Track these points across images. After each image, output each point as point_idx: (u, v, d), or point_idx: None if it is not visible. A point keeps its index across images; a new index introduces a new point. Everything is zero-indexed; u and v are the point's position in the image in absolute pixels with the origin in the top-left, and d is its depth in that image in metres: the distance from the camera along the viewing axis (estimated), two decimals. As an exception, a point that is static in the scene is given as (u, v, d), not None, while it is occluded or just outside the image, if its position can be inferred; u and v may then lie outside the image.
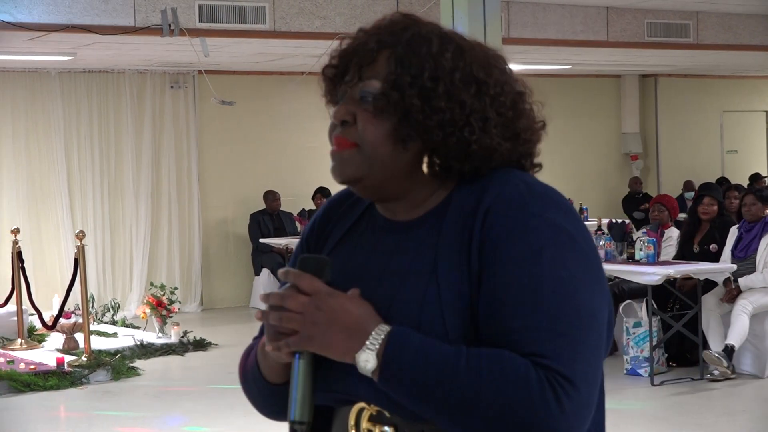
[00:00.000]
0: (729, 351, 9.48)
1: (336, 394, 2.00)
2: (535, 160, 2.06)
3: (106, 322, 13.23)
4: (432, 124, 1.94)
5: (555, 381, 1.77)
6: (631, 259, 9.87)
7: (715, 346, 9.67)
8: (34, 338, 11.76)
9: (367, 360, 1.85)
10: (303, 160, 15.88)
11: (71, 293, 11.18)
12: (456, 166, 1.97)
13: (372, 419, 1.97)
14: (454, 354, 1.81)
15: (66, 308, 11.33)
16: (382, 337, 1.86)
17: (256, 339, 2.20)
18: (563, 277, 1.84)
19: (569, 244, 1.88)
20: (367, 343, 1.86)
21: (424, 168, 1.99)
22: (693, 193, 16.53)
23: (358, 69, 2.00)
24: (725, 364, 9.40)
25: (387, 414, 1.94)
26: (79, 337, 10.98)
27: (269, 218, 15.05)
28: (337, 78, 2.06)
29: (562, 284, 1.84)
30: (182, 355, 11.48)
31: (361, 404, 1.98)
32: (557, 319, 1.81)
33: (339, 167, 2.04)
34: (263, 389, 2.11)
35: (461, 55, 1.98)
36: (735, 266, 9.68)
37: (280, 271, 1.95)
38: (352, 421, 2.00)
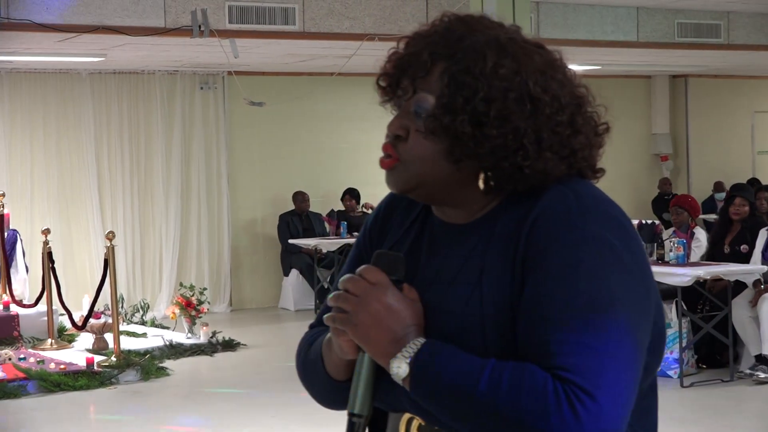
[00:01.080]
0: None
1: (385, 403, 2.02)
2: (597, 166, 2.03)
3: (136, 323, 13.27)
4: (484, 150, 1.92)
5: (573, 394, 1.76)
6: (661, 260, 9.82)
7: (753, 350, 9.64)
8: (64, 338, 11.81)
9: (399, 366, 1.88)
10: (332, 161, 15.90)
11: (101, 293, 11.22)
12: (509, 186, 1.95)
13: (421, 430, 1.99)
14: (480, 367, 1.82)
15: (96, 308, 11.38)
16: (418, 347, 1.88)
17: (313, 327, 2.22)
18: (599, 292, 1.83)
19: (611, 259, 1.86)
20: (403, 350, 1.88)
21: (481, 185, 1.96)
22: (723, 194, 16.45)
23: (412, 81, 1.98)
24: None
25: (436, 427, 1.96)
26: (109, 337, 11.02)
27: (298, 219, 15.06)
28: (391, 88, 2.03)
29: (596, 299, 1.82)
30: (211, 356, 11.50)
31: (410, 414, 2.00)
32: (586, 333, 1.80)
33: (391, 180, 2.02)
34: (325, 383, 2.11)
35: (517, 71, 1.93)
36: (765, 267, 9.63)
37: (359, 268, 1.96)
38: (402, 429, 2.02)
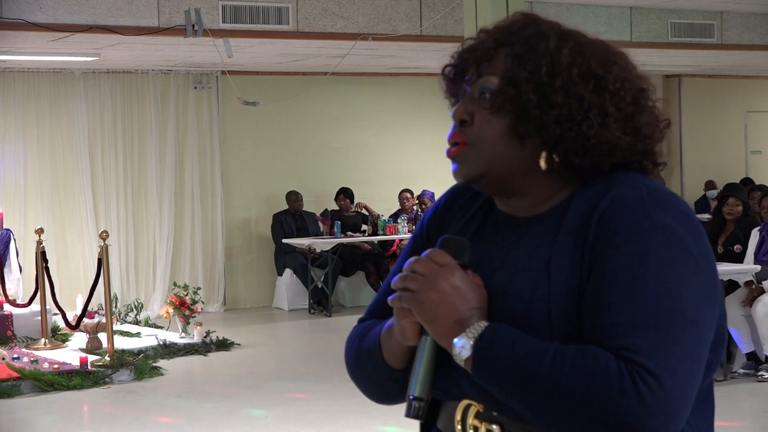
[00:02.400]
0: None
1: (441, 390, 2.02)
2: (659, 159, 2.06)
3: (130, 322, 13.26)
4: (549, 119, 1.95)
5: (637, 374, 1.77)
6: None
7: (743, 348, 9.66)
8: (57, 338, 11.80)
9: (463, 346, 1.89)
10: (326, 160, 15.90)
11: (95, 293, 11.22)
12: (575, 161, 1.96)
13: (479, 416, 2.00)
14: (543, 349, 1.83)
15: (89, 308, 11.38)
16: (482, 328, 1.89)
17: (362, 321, 2.23)
18: (667, 280, 1.84)
19: (681, 251, 1.87)
20: (467, 331, 1.90)
21: (542, 164, 1.98)
22: (715, 192, 16.50)
23: (477, 67, 2.02)
24: None
25: (494, 413, 1.97)
26: (103, 336, 11.02)
27: (292, 218, 15.05)
28: (457, 77, 2.06)
29: (664, 286, 1.83)
30: (205, 355, 11.50)
31: (468, 401, 2.01)
32: (653, 316, 1.81)
33: (459, 169, 2.04)
34: (381, 373, 2.11)
35: (580, 51, 1.98)
36: (759, 267, 9.64)
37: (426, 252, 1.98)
38: (458, 416, 2.02)
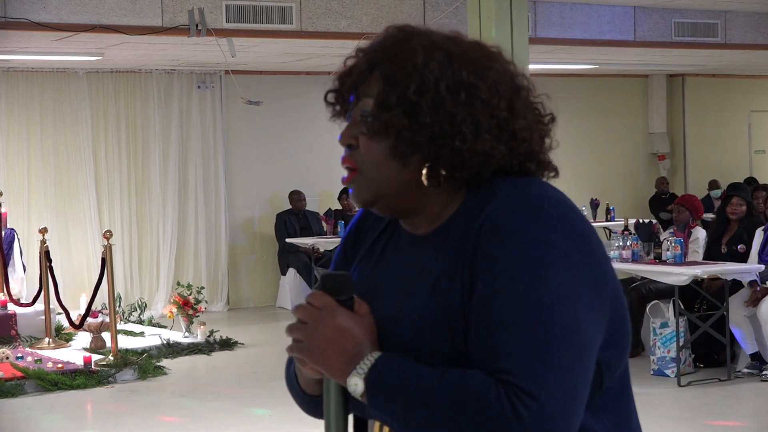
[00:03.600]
0: None
1: (362, 411, 2.06)
2: (545, 158, 2.05)
3: (133, 322, 13.28)
4: (422, 139, 1.95)
5: (515, 396, 1.78)
6: (658, 260, 9.83)
7: (747, 348, 9.66)
8: (61, 337, 11.81)
9: (356, 384, 1.91)
10: (330, 160, 15.88)
11: (98, 292, 11.23)
12: (455, 174, 1.97)
13: None
14: (429, 376, 1.86)
15: (93, 307, 11.38)
16: (371, 362, 1.91)
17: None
18: (541, 296, 1.84)
19: (554, 260, 1.87)
20: (357, 368, 1.91)
21: (424, 180, 1.99)
22: (719, 192, 16.48)
23: (355, 89, 2.03)
24: None
25: None
26: (106, 336, 11.02)
27: (295, 218, 15.06)
28: (339, 100, 2.08)
29: (539, 302, 1.83)
30: (209, 355, 11.50)
31: (380, 421, 2.04)
32: (527, 336, 1.82)
33: (353, 195, 2.07)
34: (302, 398, 2.19)
35: (449, 62, 1.97)
36: (763, 266, 9.64)
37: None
38: None
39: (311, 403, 2.16)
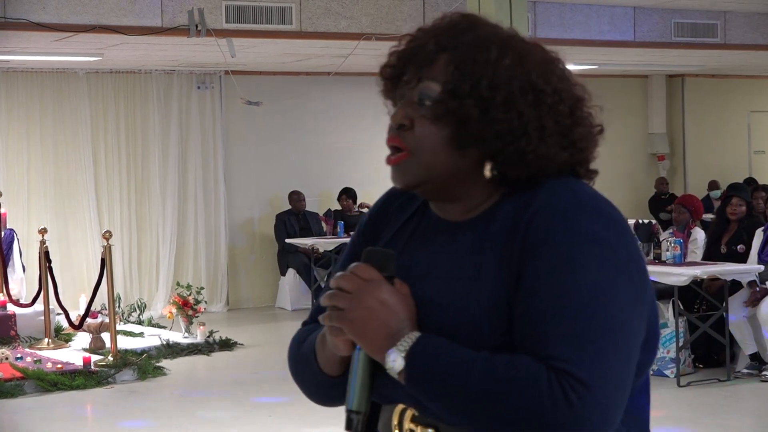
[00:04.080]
0: None
1: (379, 395, 2.03)
2: (591, 166, 2.06)
3: (133, 322, 13.27)
4: (489, 134, 1.95)
5: (566, 383, 1.79)
6: (658, 260, 9.83)
7: (747, 349, 9.67)
8: (61, 338, 11.80)
9: (395, 360, 1.90)
10: (329, 160, 15.90)
11: (98, 293, 11.22)
12: (513, 173, 1.97)
13: (414, 420, 2.01)
14: (473, 359, 1.85)
15: (93, 308, 11.37)
16: (413, 340, 1.90)
17: (306, 324, 2.24)
18: (592, 286, 1.85)
19: (605, 255, 1.88)
20: (398, 344, 1.90)
21: (487, 173, 1.98)
22: (718, 192, 16.48)
23: (417, 70, 2.00)
24: None
25: (429, 417, 1.98)
26: (106, 336, 11.02)
27: (295, 218, 15.06)
28: (395, 78, 2.05)
29: (590, 292, 1.85)
30: (208, 355, 11.50)
31: (403, 405, 2.02)
32: (579, 324, 1.83)
33: (397, 176, 2.04)
34: (318, 379, 2.13)
35: (520, 63, 1.97)
36: (762, 267, 9.64)
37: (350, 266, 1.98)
38: (395, 421, 2.04)
39: (326, 386, 2.12)
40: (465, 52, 1.97)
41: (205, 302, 13.04)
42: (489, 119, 1.94)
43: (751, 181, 16.78)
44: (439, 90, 1.97)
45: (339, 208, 15.51)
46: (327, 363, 2.09)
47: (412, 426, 2.01)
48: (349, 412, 1.96)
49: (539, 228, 1.90)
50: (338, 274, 1.97)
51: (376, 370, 1.97)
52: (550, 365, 1.80)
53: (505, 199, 2.00)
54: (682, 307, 9.61)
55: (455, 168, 1.99)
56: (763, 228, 10.09)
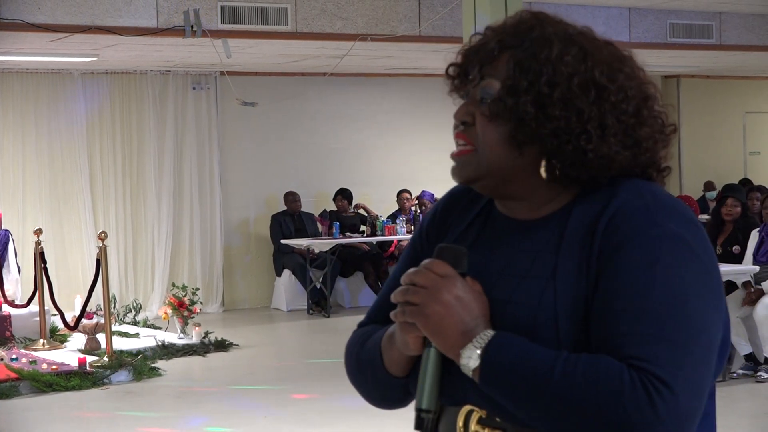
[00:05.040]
0: None
1: (444, 397, 2.01)
2: (664, 167, 2.06)
3: (128, 323, 13.26)
4: (546, 131, 1.94)
5: (650, 383, 1.77)
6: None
7: (741, 350, 9.68)
8: (56, 338, 11.80)
9: (470, 357, 1.88)
10: (325, 161, 15.90)
11: (93, 294, 11.21)
12: (573, 173, 1.96)
13: (481, 422, 1.98)
14: (552, 359, 1.83)
15: (88, 309, 11.37)
16: (488, 338, 1.89)
17: (362, 326, 2.22)
18: (676, 287, 1.84)
19: (688, 256, 1.87)
20: (474, 341, 1.88)
21: (543, 173, 1.97)
22: (714, 193, 16.49)
23: (480, 68, 2.01)
24: None
25: (497, 419, 1.95)
26: (101, 337, 11.02)
27: (290, 219, 15.05)
28: (460, 76, 2.06)
29: (674, 293, 1.83)
30: (203, 356, 11.50)
31: (470, 406, 1.99)
32: (663, 325, 1.81)
33: (458, 169, 2.04)
34: (382, 379, 2.11)
35: (583, 59, 1.96)
36: (758, 268, 9.64)
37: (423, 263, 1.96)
38: (460, 423, 2.01)
39: (389, 387, 2.10)
40: (526, 49, 1.97)
41: (201, 303, 13.03)
42: (545, 116, 1.93)
43: (746, 182, 16.79)
44: (498, 88, 1.97)
45: (334, 208, 15.51)
46: (393, 363, 2.06)
47: (478, 428, 1.98)
48: (419, 411, 1.94)
49: (620, 228, 1.89)
50: (411, 270, 1.94)
51: (445, 370, 1.95)
52: (632, 365, 1.78)
53: (581, 199, 1.98)
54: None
55: (514, 166, 1.98)
56: (758, 229, 10.10)
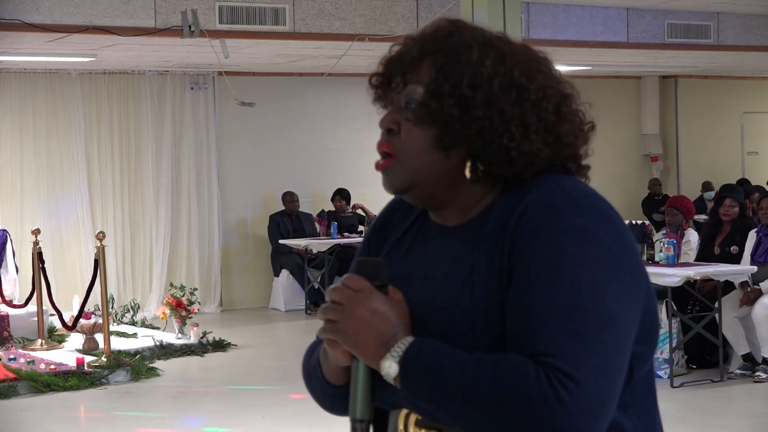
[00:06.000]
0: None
1: (380, 401, 2.05)
2: (583, 162, 2.08)
3: (126, 323, 13.26)
4: (471, 132, 1.97)
5: (555, 378, 1.79)
6: (651, 261, 9.84)
7: (739, 350, 9.69)
8: (54, 339, 11.80)
9: (389, 366, 1.92)
10: (322, 161, 15.90)
11: (91, 294, 11.21)
12: (498, 171, 1.99)
13: (418, 423, 2.03)
14: (464, 361, 1.86)
15: (86, 309, 11.37)
16: (406, 346, 1.92)
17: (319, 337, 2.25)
18: (583, 280, 1.86)
19: (595, 249, 1.89)
20: (391, 350, 1.92)
21: (467, 173, 2.00)
22: (712, 193, 16.48)
23: (402, 76, 2.04)
24: None
25: (430, 421, 1.99)
26: (99, 337, 11.01)
27: (288, 219, 15.06)
28: (384, 86, 2.09)
29: (579, 286, 1.85)
30: (201, 356, 11.50)
31: (407, 409, 2.04)
32: (569, 319, 1.83)
33: (387, 180, 2.07)
34: (325, 389, 2.17)
35: (502, 61, 2.00)
36: (755, 268, 9.65)
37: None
38: (401, 425, 2.06)
39: (333, 396, 2.15)
40: (447, 55, 2.00)
41: (199, 303, 13.04)
42: (470, 117, 1.96)
43: (744, 182, 16.81)
44: (422, 93, 2.00)
45: (332, 209, 15.51)
46: (331, 373, 2.12)
47: (416, 430, 2.03)
48: (353, 421, 1.98)
49: (528, 225, 1.91)
50: (330, 287, 1.99)
51: (378, 377, 1.98)
52: (538, 361, 1.81)
53: (498, 199, 2.02)
54: (675, 308, 9.62)
55: (441, 170, 2.01)
56: (756, 229, 10.10)
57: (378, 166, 2.06)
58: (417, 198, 2.07)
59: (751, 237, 10.05)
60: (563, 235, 1.89)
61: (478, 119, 1.96)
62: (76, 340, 11.66)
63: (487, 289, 1.93)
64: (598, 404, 1.81)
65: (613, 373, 1.85)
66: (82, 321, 11.32)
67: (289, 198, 15.10)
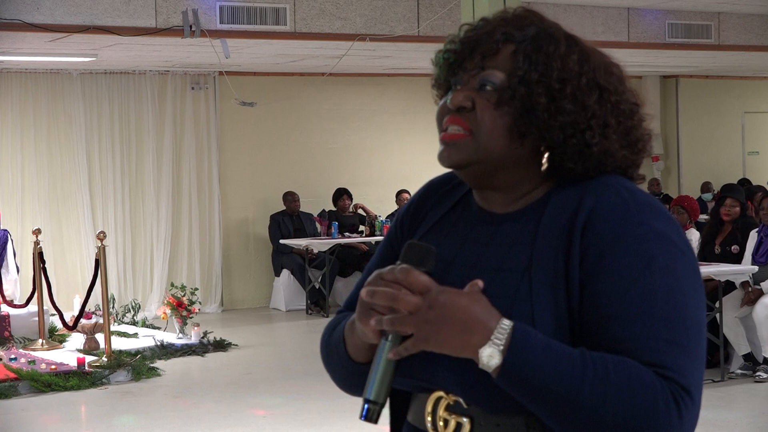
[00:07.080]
0: None
1: (415, 381, 2.01)
2: (639, 171, 2.08)
3: (127, 323, 13.26)
4: (555, 124, 1.96)
5: (677, 393, 1.80)
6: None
7: (740, 350, 9.68)
8: (55, 338, 11.80)
9: (491, 356, 1.82)
10: (323, 161, 15.90)
11: (92, 294, 11.21)
12: (570, 166, 1.98)
13: (449, 408, 1.99)
14: (579, 357, 1.81)
15: (87, 309, 11.36)
16: (507, 332, 1.83)
17: (340, 313, 2.21)
18: (674, 288, 1.86)
19: (678, 255, 1.90)
20: (492, 338, 1.83)
21: (543, 163, 2.00)
22: (711, 195, 16.49)
23: (481, 58, 2.01)
24: None
25: (464, 405, 1.96)
26: (100, 337, 11.01)
27: (289, 219, 15.05)
28: (457, 64, 2.05)
29: (673, 294, 1.85)
30: (202, 356, 11.50)
31: (440, 393, 2.00)
32: (672, 329, 1.83)
33: (448, 152, 2.01)
34: (346, 366, 2.10)
35: (587, 60, 2.01)
36: (756, 268, 9.65)
37: (389, 268, 1.91)
38: (429, 409, 2.01)
39: (352, 372, 2.07)
40: (533, 43, 2.00)
41: (200, 303, 13.04)
42: (557, 109, 1.95)
43: (745, 182, 16.80)
44: (502, 78, 1.98)
45: (333, 208, 15.51)
46: (355, 349, 2.05)
47: (445, 415, 1.99)
48: (366, 401, 1.90)
49: (604, 227, 1.90)
50: (389, 291, 1.87)
51: (407, 359, 1.90)
52: (657, 374, 1.81)
53: (555, 193, 2.00)
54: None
55: (510, 155, 1.99)
56: (757, 229, 10.10)
57: (446, 137, 2.01)
58: (473, 176, 2.03)
59: (752, 237, 10.04)
60: (647, 241, 1.88)
61: (565, 112, 1.95)
62: (76, 340, 11.66)
63: (550, 282, 1.91)
64: (698, 417, 1.85)
65: (702, 380, 1.89)
66: (82, 321, 11.32)
67: (290, 198, 15.10)
